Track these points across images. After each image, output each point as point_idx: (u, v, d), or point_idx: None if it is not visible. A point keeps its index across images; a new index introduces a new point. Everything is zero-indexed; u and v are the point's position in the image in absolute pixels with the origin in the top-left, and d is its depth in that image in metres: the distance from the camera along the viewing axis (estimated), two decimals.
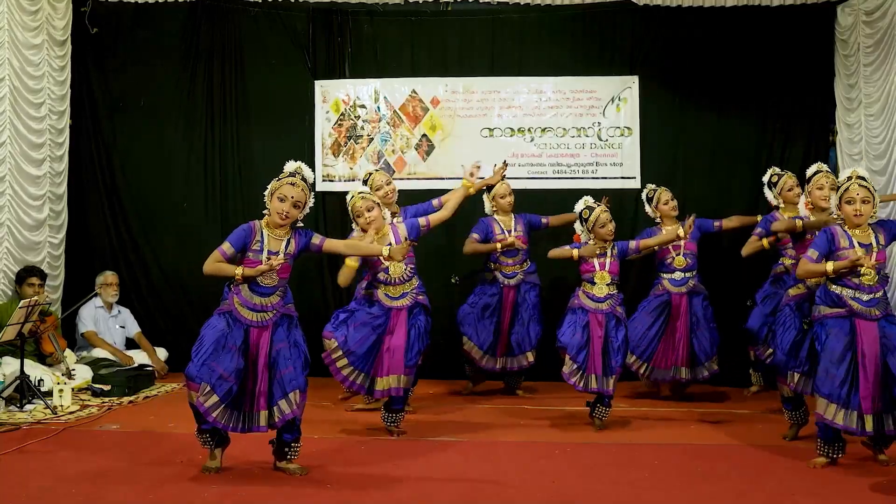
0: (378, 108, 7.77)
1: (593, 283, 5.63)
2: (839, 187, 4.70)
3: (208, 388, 4.29)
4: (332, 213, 7.60)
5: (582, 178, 7.58)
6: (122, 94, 7.80)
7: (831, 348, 4.61)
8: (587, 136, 7.70)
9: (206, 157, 7.78)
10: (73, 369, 6.66)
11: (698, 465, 4.69)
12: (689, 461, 4.74)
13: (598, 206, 5.70)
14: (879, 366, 4.52)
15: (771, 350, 5.62)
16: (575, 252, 5.69)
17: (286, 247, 4.44)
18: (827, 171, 5.36)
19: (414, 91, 7.77)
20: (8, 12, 6.86)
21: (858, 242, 4.62)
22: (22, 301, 6.25)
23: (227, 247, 4.38)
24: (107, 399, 6.34)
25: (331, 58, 7.78)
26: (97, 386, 6.53)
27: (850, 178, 4.66)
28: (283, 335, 4.46)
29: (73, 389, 6.21)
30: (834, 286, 4.66)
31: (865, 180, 4.64)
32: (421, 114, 7.77)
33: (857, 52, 7.11)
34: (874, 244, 4.64)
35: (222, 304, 4.47)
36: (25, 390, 5.94)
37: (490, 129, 7.74)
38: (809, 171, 5.38)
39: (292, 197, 4.39)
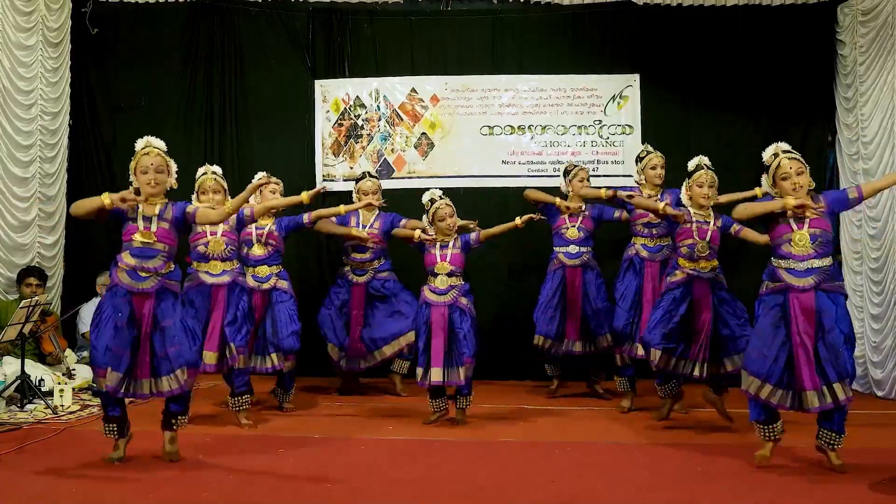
0: (378, 107, 7.77)
1: (435, 276, 5.72)
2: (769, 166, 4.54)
3: (111, 370, 4.41)
4: None
5: None
6: (122, 94, 7.80)
7: (761, 326, 4.60)
8: (588, 133, 7.69)
9: (205, 157, 7.71)
10: (74, 369, 6.66)
11: (698, 465, 4.68)
12: (689, 461, 4.74)
13: (442, 199, 5.78)
14: (813, 340, 4.46)
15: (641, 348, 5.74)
16: (416, 233, 5.81)
17: (162, 212, 4.52)
18: (707, 168, 5.42)
19: (413, 89, 7.76)
20: (1, 12, 6.85)
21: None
22: (23, 301, 6.26)
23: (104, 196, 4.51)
24: None
25: (331, 57, 7.78)
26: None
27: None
28: (168, 311, 4.52)
29: (73, 389, 6.22)
30: (773, 259, 4.58)
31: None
32: (420, 112, 7.76)
33: (854, 52, 7.10)
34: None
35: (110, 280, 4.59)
36: (26, 390, 5.95)
37: (490, 127, 7.73)
38: (691, 166, 5.50)
39: (152, 164, 4.50)
